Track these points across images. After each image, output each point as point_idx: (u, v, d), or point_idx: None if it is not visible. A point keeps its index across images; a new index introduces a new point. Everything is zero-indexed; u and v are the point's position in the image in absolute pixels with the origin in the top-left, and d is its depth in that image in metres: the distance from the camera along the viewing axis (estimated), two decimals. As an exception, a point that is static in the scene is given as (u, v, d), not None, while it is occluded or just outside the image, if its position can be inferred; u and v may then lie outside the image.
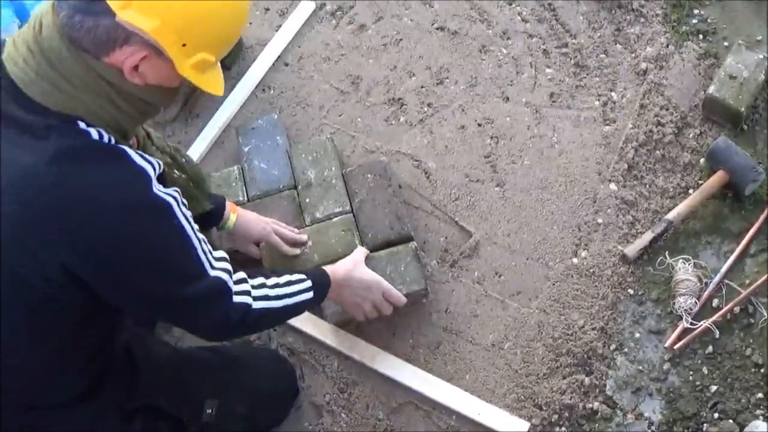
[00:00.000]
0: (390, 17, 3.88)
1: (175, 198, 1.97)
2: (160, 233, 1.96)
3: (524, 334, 3.10)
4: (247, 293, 2.26)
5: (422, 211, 3.37)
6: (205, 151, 3.58)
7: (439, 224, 3.34)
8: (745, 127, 3.50)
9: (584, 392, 2.98)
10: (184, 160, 2.67)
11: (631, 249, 3.20)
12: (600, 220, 3.31)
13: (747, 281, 3.17)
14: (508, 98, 3.63)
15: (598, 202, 3.35)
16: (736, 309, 3.11)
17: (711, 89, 3.45)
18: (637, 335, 3.10)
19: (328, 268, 2.71)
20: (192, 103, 3.72)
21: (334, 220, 3.23)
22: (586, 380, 2.99)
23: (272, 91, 3.72)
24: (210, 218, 2.85)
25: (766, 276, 3.13)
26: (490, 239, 3.28)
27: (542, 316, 3.13)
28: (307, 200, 3.28)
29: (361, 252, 2.97)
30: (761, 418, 2.89)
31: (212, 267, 2.12)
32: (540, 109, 3.60)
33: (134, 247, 1.91)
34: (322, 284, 2.60)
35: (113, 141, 1.90)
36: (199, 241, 2.07)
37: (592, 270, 3.21)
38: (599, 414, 2.95)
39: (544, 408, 2.95)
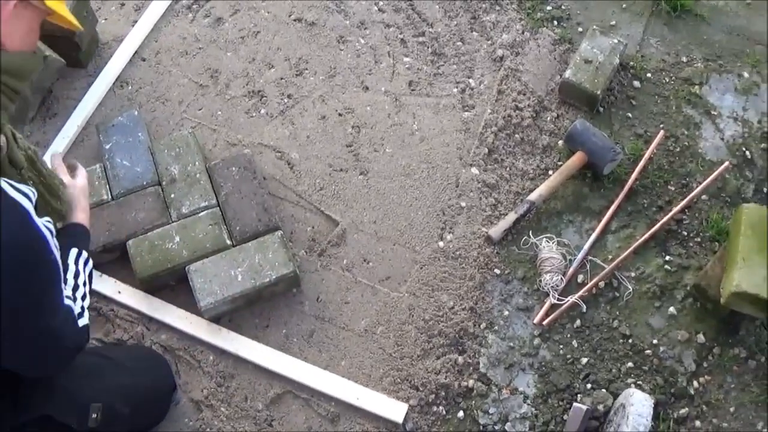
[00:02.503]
0: (247, 10, 3.87)
1: (50, 230, 1.91)
2: (34, 267, 1.88)
3: (396, 317, 3.13)
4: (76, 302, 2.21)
5: (288, 202, 3.36)
6: (65, 150, 3.47)
7: (306, 214, 3.34)
8: (601, 109, 3.64)
9: (459, 371, 3.02)
10: (40, 164, 2.57)
11: (496, 230, 3.27)
12: (463, 204, 3.37)
13: (610, 257, 3.29)
14: (367, 87, 3.66)
15: (460, 186, 3.40)
16: (601, 284, 3.23)
17: (567, 73, 3.56)
18: (506, 313, 3.17)
19: (75, 211, 2.50)
20: (49, 102, 3.61)
21: (201, 214, 3.20)
22: (460, 359, 3.04)
23: (130, 87, 3.65)
24: None
25: (628, 251, 3.25)
26: (356, 227, 3.30)
27: (412, 300, 3.16)
28: (173, 196, 3.24)
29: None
30: (632, 386, 2.98)
31: (72, 304, 2.12)
32: (399, 97, 3.64)
33: (7, 281, 1.80)
34: (85, 239, 2.47)
35: None
36: (64, 280, 2.06)
37: (458, 252, 3.26)
38: (475, 391, 3.00)
39: (421, 389, 2.98)
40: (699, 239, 3.36)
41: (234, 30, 3.81)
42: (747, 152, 3.60)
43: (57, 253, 1.93)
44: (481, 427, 2.96)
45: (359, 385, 2.99)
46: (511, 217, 3.29)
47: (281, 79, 3.67)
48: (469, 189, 3.40)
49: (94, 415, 2.48)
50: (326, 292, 3.18)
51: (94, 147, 3.47)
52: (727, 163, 3.47)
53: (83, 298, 2.23)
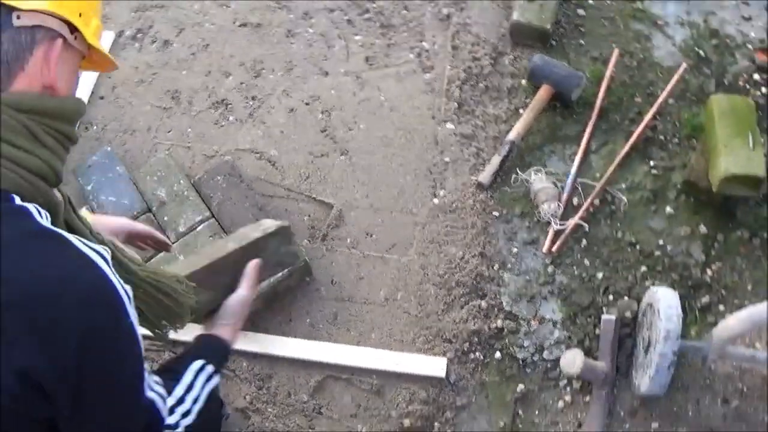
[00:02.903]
0: (191, 27, 3.91)
1: (127, 293, 1.61)
2: (117, 330, 1.57)
3: (412, 280, 3.17)
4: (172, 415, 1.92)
5: (278, 198, 3.39)
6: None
7: (299, 205, 3.37)
8: (554, 42, 3.75)
9: (485, 314, 3.08)
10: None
11: (484, 176, 3.35)
12: (447, 159, 3.44)
13: (598, 175, 3.39)
14: (327, 72, 3.72)
15: (440, 144, 3.48)
16: (596, 201, 3.32)
17: (514, 16, 3.67)
18: (515, 250, 3.24)
19: (222, 320, 2.25)
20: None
21: (199, 229, 3.22)
22: (483, 303, 3.10)
23: (96, 127, 3.64)
24: None
25: (613, 166, 3.35)
26: (351, 205, 3.35)
27: (423, 260, 3.21)
28: (166, 218, 3.25)
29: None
30: (652, 286, 3.06)
31: (150, 387, 1.77)
32: (360, 74, 3.71)
33: (95, 343, 1.51)
34: (222, 355, 2.17)
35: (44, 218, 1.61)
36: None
37: (454, 205, 3.33)
38: (505, 329, 3.06)
39: (454, 340, 3.03)
40: (677, 140, 3.48)
41: (183, 48, 3.85)
42: (700, 51, 3.75)
43: (135, 321, 1.63)
44: (520, 362, 3.01)
45: (395, 352, 3.03)
46: (496, 160, 3.36)
47: (241, 84, 3.71)
48: (449, 144, 3.47)
49: None
50: (339, 273, 3.21)
51: (76, 191, 3.44)
52: (684, 65, 3.60)
53: (184, 415, 1.94)
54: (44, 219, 1.59)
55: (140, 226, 2.52)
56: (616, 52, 3.63)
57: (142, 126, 3.61)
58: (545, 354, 3.02)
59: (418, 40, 3.77)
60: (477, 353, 3.02)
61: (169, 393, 1.94)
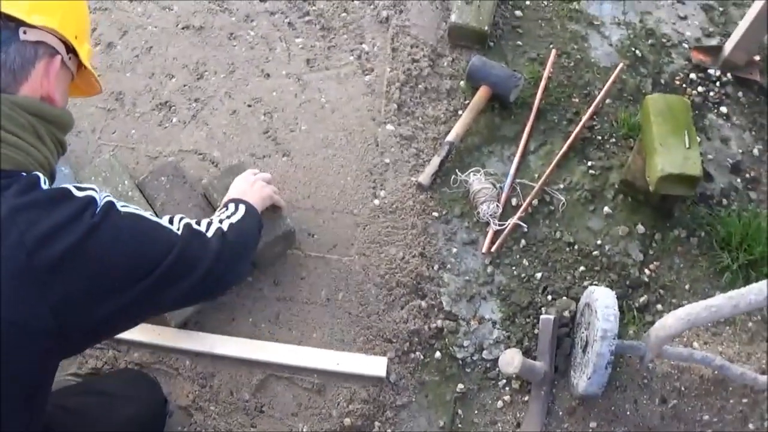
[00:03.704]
0: (134, 29, 3.89)
1: (110, 197, 1.97)
2: (122, 228, 1.94)
3: (352, 280, 3.20)
4: (211, 224, 2.35)
5: (221, 200, 3.38)
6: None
7: (241, 207, 3.38)
8: (492, 44, 3.79)
9: (425, 314, 3.11)
10: None
11: (424, 176, 3.38)
12: (387, 160, 3.47)
13: (536, 175, 3.43)
14: (268, 75, 3.74)
15: (380, 145, 3.51)
16: (535, 201, 3.37)
17: (452, 18, 3.70)
18: (455, 250, 3.28)
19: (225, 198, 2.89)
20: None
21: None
22: (423, 303, 3.13)
23: (39, 129, 3.62)
24: None
25: (551, 166, 3.39)
26: (292, 206, 3.35)
27: (364, 260, 3.24)
28: (109, 218, 3.23)
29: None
30: (590, 286, 3.09)
31: (172, 225, 2.17)
32: (301, 76, 3.72)
33: (113, 254, 1.88)
34: (236, 200, 2.75)
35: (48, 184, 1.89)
36: (151, 216, 2.10)
37: (394, 205, 3.35)
38: (445, 329, 3.09)
39: (394, 340, 3.06)
40: (614, 140, 3.53)
41: (127, 51, 3.83)
42: (636, 51, 3.80)
43: (129, 208, 2.01)
44: (460, 362, 3.05)
45: (336, 351, 3.05)
46: (435, 161, 3.39)
47: (184, 86, 3.71)
48: (389, 145, 3.49)
49: None
50: (281, 273, 3.21)
51: (19, 194, 3.44)
52: (621, 65, 3.65)
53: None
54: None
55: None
56: (553, 53, 3.68)
57: (87, 127, 3.60)
58: (485, 354, 3.05)
59: (358, 42, 3.80)
60: (417, 353, 3.05)
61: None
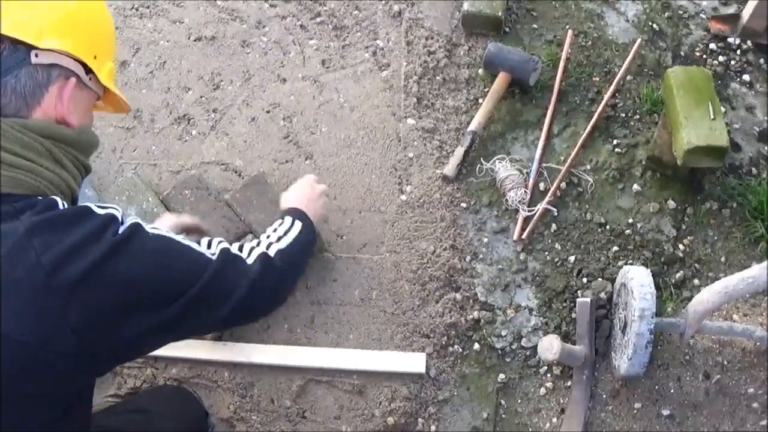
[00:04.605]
0: (147, 45, 3.89)
1: (137, 219, 1.91)
2: (148, 250, 1.88)
3: (385, 278, 3.18)
4: (254, 249, 2.24)
5: (247, 209, 3.39)
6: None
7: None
8: (507, 29, 3.76)
9: (460, 307, 3.09)
10: None
11: (449, 168, 3.34)
12: (411, 154, 3.45)
13: (562, 158, 3.39)
14: (284, 79, 3.72)
15: (402, 140, 3.48)
16: (562, 185, 3.33)
17: (465, 6, 3.67)
18: (486, 240, 3.25)
19: (283, 205, 2.82)
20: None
21: (168, 239, 3.20)
22: (458, 296, 3.11)
23: (59, 153, 3.62)
24: None
25: (576, 147, 3.35)
26: (319, 209, 3.33)
27: (395, 257, 3.22)
28: (137, 237, 3.23)
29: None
30: (625, 266, 3.06)
31: (209, 249, 2.08)
32: (317, 78, 3.70)
33: (136, 276, 1.83)
34: (295, 213, 2.63)
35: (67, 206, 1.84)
36: (183, 239, 2.02)
37: (421, 200, 3.33)
38: (482, 320, 3.07)
39: (431, 335, 3.04)
40: (638, 116, 3.48)
41: (141, 68, 3.83)
42: (654, 25, 3.75)
43: (157, 230, 1.94)
44: (499, 352, 3.02)
45: (374, 351, 3.04)
46: (459, 151, 3.36)
47: (201, 97, 3.70)
48: (411, 139, 3.47)
49: None
50: (312, 277, 3.20)
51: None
52: (639, 40, 3.59)
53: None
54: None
55: (187, 219, 2.97)
56: (569, 34, 3.63)
57: (107, 148, 3.60)
58: (523, 342, 3.03)
59: (372, 39, 3.77)
60: (456, 346, 3.03)
61: (258, 237, 2.42)
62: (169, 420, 2.71)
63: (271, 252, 2.26)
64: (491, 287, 3.14)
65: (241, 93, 3.70)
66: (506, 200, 3.28)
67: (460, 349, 3.03)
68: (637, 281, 2.70)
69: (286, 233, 2.45)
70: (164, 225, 2.82)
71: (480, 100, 3.53)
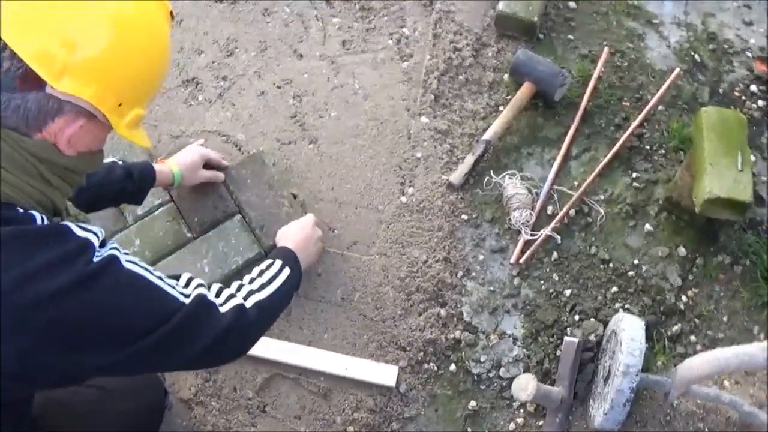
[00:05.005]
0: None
1: (116, 249, 1.84)
2: (117, 289, 1.80)
3: (371, 281, 3.06)
4: (232, 297, 2.15)
5: (242, 185, 3.28)
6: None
7: (262, 194, 3.26)
8: (541, 36, 3.60)
9: (443, 324, 2.97)
10: None
11: (456, 176, 3.21)
12: (419, 155, 3.31)
13: (576, 183, 3.24)
14: (301, 55, 3.58)
15: (413, 138, 3.34)
16: (572, 212, 3.18)
17: (500, 6, 3.51)
18: (481, 258, 3.11)
19: (280, 242, 2.75)
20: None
21: (157, 213, 3.14)
22: (442, 312, 2.99)
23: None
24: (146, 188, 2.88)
25: (593, 174, 3.20)
26: (315, 197, 3.23)
27: (384, 260, 3.09)
28: (125, 199, 3.15)
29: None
30: (621, 310, 2.94)
31: (183, 294, 1.98)
32: (335, 59, 3.56)
33: (99, 313, 1.76)
34: (288, 257, 2.54)
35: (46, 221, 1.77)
36: (158, 278, 1.93)
37: (422, 205, 3.20)
38: (463, 342, 2.95)
39: (408, 348, 2.93)
40: (663, 151, 3.32)
41: (156, 22, 3.69)
42: (696, 56, 3.57)
43: (133, 266, 1.86)
44: (475, 377, 2.91)
45: (346, 356, 2.94)
46: (470, 159, 3.22)
47: (213, 62, 3.57)
48: (422, 139, 3.33)
49: None
50: (296, 268, 3.09)
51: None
52: (677, 70, 3.42)
53: (248, 295, 2.21)
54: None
55: (212, 153, 3.14)
56: (606, 51, 3.46)
57: (110, 102, 3.48)
58: (502, 371, 2.91)
59: (399, 26, 3.62)
60: (431, 364, 2.92)
61: (241, 279, 2.34)
62: (124, 397, 2.60)
63: (249, 303, 2.17)
64: (478, 308, 3.01)
65: (254, 63, 3.56)
66: (510, 219, 3.14)
67: (435, 368, 2.92)
68: (627, 333, 2.58)
69: (270, 281, 2.35)
70: (189, 154, 3.04)
71: (500, 108, 3.38)
